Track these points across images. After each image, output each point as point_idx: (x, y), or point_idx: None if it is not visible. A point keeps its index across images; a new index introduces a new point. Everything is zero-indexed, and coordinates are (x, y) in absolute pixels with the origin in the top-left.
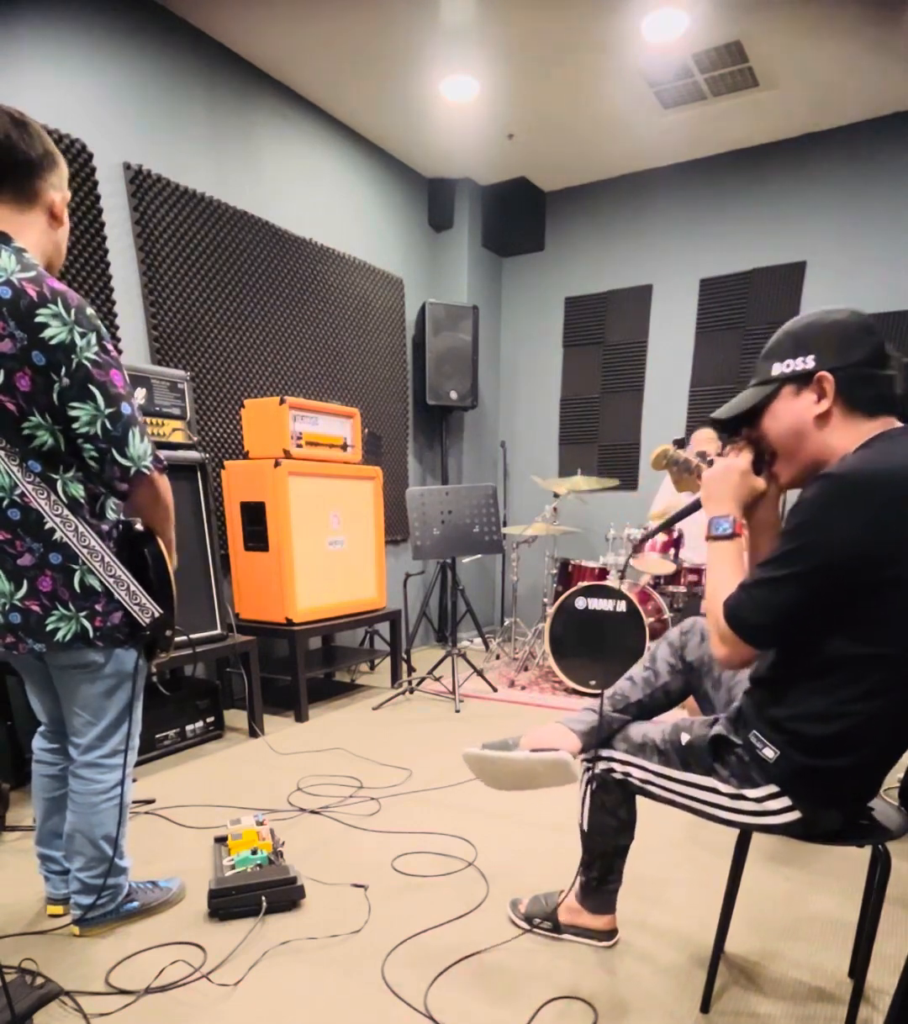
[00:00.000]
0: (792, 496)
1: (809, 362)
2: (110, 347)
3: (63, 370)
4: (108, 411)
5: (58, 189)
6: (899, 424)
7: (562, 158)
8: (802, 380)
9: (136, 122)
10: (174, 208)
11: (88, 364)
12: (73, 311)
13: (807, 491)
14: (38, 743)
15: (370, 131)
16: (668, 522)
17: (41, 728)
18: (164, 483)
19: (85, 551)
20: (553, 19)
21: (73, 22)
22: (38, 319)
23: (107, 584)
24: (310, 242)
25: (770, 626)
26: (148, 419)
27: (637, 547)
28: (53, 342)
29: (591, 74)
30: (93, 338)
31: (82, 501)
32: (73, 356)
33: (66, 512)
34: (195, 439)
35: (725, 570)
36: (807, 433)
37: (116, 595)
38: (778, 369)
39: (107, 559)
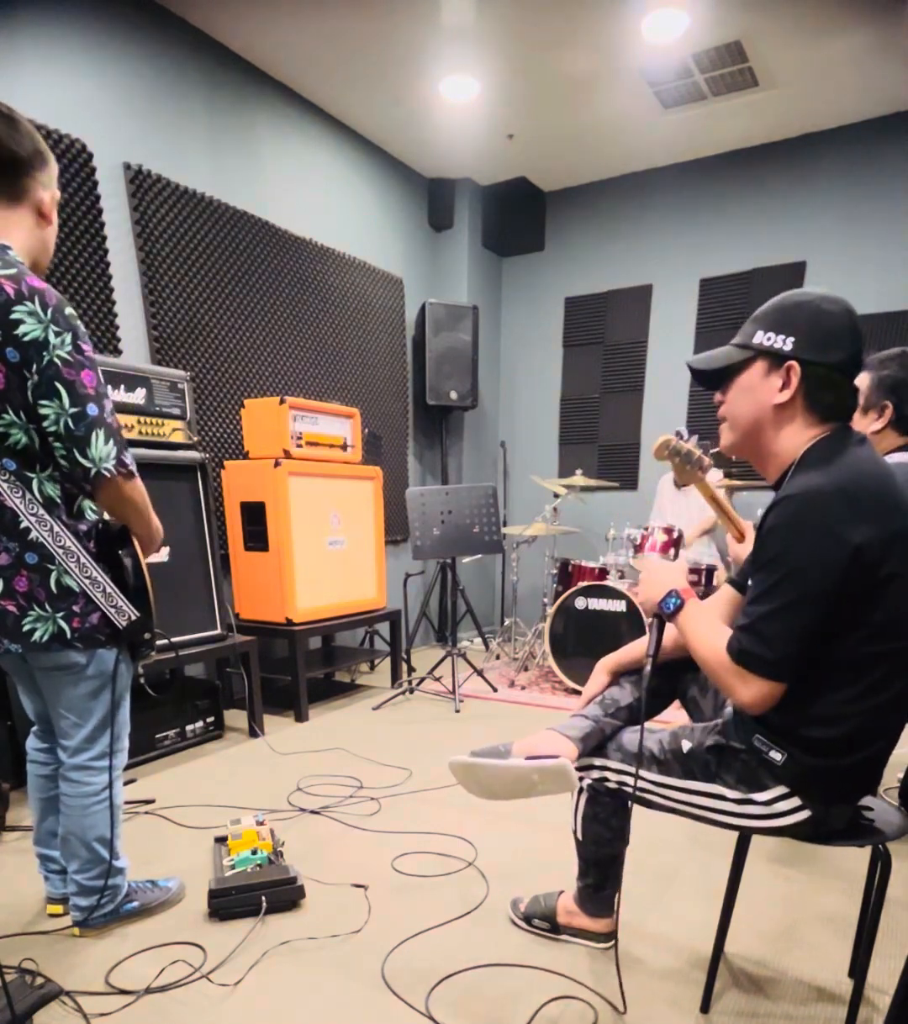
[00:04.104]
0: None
1: (787, 344)
2: (86, 347)
3: (34, 367)
4: (72, 410)
5: (47, 187)
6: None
7: (562, 158)
8: (775, 359)
9: (136, 122)
10: (174, 208)
11: (58, 362)
12: (50, 310)
13: (771, 519)
14: (31, 743)
15: (370, 131)
16: (655, 651)
17: (34, 728)
18: (129, 487)
19: (61, 551)
20: (553, 19)
21: (73, 22)
22: (13, 316)
23: (83, 585)
24: (310, 242)
25: (789, 655)
26: (148, 419)
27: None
28: (26, 339)
29: (591, 74)
30: (68, 337)
31: (58, 500)
32: (45, 353)
33: (41, 511)
34: (195, 439)
35: (702, 628)
36: (764, 419)
37: (92, 596)
38: (758, 338)
39: (83, 560)
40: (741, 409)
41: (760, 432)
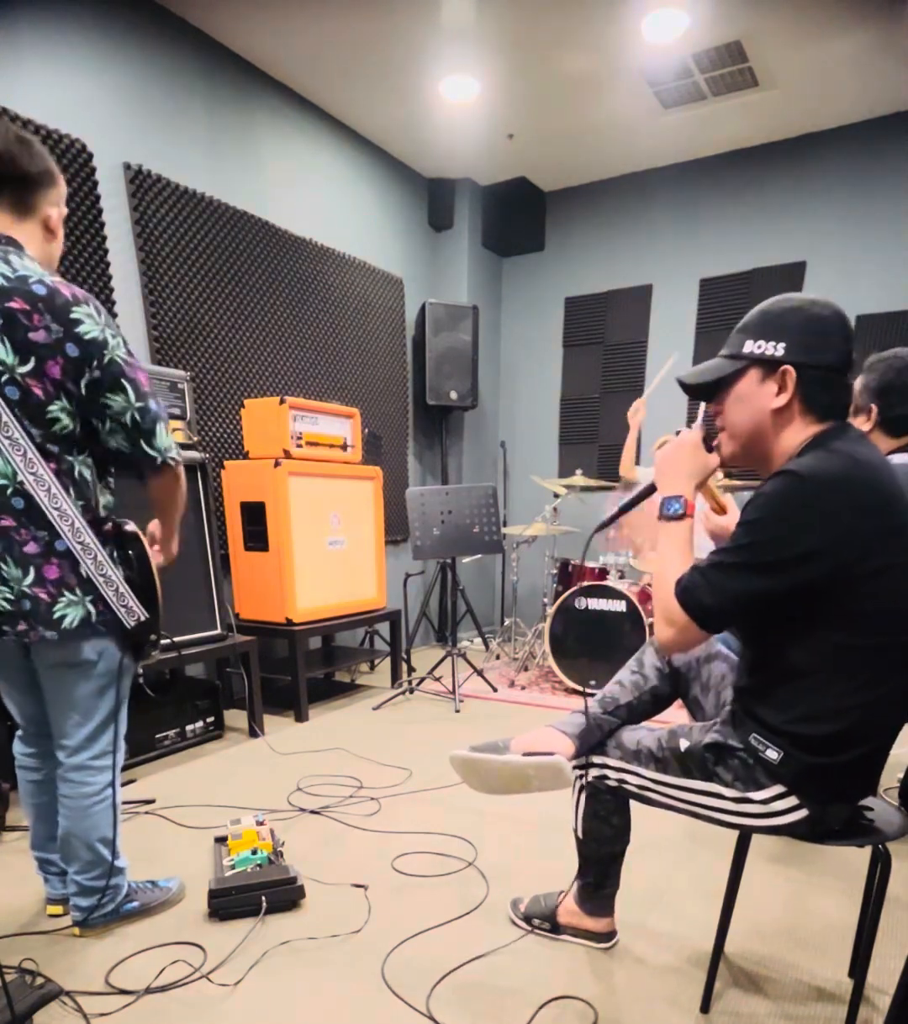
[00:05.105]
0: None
1: (779, 350)
2: (133, 352)
3: (95, 362)
4: (138, 405)
5: (55, 205)
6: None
7: (562, 158)
8: (768, 366)
9: (136, 122)
10: (174, 208)
11: (120, 361)
12: (103, 315)
13: (767, 486)
14: (19, 748)
15: (370, 131)
16: (625, 507)
17: (19, 732)
18: (182, 477)
19: (79, 547)
20: (553, 19)
21: (73, 22)
22: (73, 315)
23: (96, 582)
24: (310, 242)
25: (722, 610)
26: None
27: (598, 530)
28: (87, 337)
29: (591, 74)
30: (121, 341)
31: (89, 481)
32: (105, 352)
33: (64, 506)
34: (195, 439)
35: (675, 552)
36: (764, 425)
37: (104, 594)
38: (749, 347)
39: (100, 557)
40: (739, 418)
41: (761, 437)
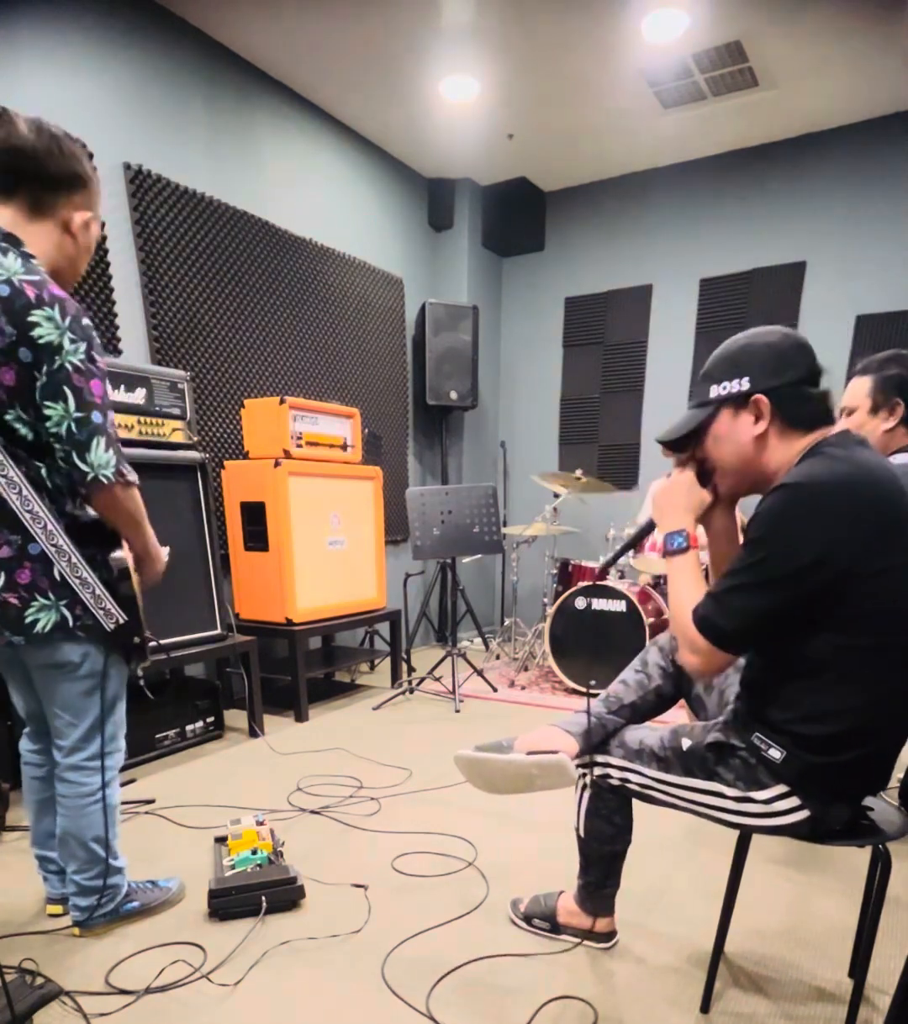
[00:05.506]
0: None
1: (744, 384)
2: (98, 359)
3: (44, 368)
4: (77, 415)
5: (80, 209)
6: (833, 431)
7: (562, 158)
8: (739, 401)
9: (136, 122)
10: (174, 208)
11: (69, 367)
12: (69, 319)
13: (766, 502)
14: (24, 745)
15: (370, 131)
16: (625, 547)
17: (26, 730)
18: (125, 496)
19: (53, 550)
20: (553, 19)
21: (73, 22)
22: (31, 319)
23: (72, 585)
24: (310, 242)
25: (743, 631)
26: (148, 419)
27: (601, 574)
28: (41, 341)
29: (591, 74)
30: (83, 346)
31: (64, 490)
32: (57, 357)
33: (36, 508)
34: (195, 439)
35: (687, 582)
36: (747, 453)
37: (81, 597)
38: (715, 391)
39: (74, 560)
40: (723, 455)
41: (750, 466)
